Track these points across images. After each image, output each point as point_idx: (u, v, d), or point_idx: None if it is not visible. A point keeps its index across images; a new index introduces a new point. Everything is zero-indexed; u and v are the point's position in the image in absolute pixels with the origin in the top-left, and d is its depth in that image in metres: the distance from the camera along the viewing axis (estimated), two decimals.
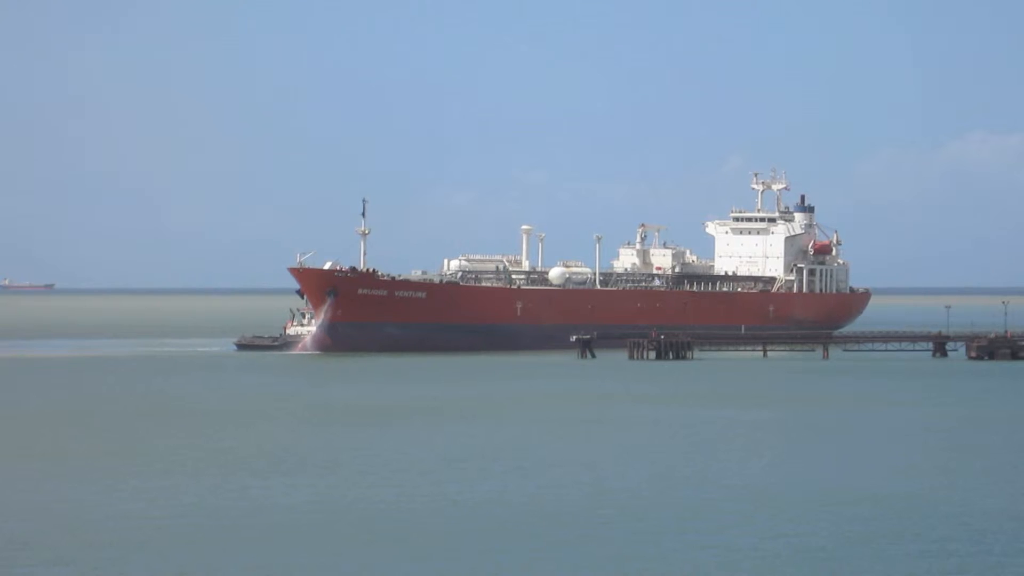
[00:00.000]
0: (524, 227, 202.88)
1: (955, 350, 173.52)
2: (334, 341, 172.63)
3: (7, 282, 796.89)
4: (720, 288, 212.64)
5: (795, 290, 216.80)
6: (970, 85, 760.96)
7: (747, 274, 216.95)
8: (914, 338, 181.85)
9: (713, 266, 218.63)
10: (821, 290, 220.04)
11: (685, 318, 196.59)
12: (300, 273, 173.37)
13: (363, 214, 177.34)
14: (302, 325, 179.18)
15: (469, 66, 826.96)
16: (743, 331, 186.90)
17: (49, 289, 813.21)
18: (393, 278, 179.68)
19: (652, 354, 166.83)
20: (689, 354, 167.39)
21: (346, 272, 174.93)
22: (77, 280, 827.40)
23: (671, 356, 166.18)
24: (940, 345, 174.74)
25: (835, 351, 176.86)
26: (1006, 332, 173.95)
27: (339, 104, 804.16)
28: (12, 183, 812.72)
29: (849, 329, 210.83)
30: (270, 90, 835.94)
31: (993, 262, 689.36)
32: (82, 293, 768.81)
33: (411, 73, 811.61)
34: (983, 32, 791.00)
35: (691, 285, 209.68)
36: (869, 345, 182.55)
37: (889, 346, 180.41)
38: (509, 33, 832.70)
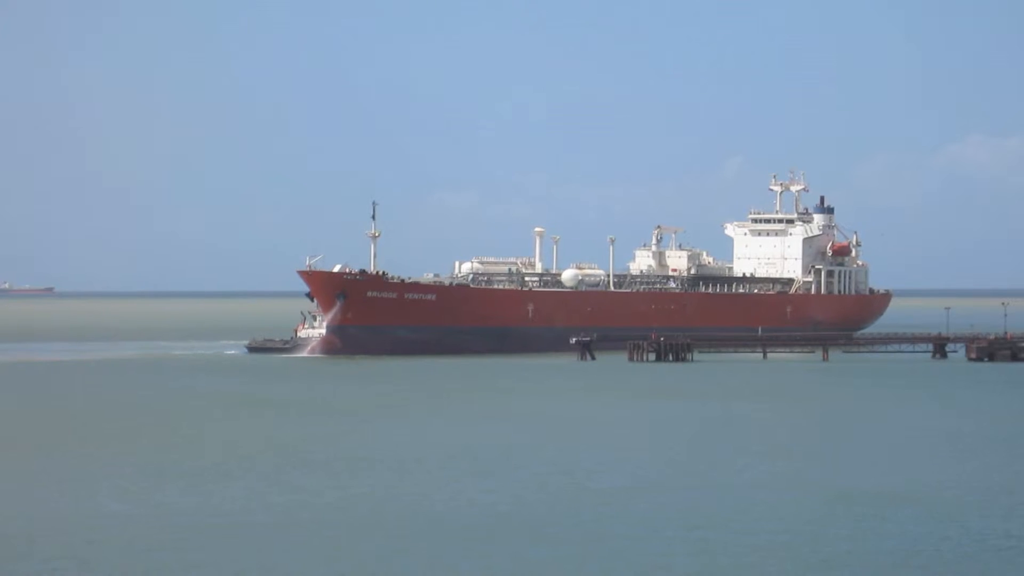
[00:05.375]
0: (537, 229, 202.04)
1: (955, 352, 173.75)
2: (344, 344, 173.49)
3: (7, 286, 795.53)
4: (736, 290, 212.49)
5: (813, 291, 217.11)
6: (969, 88, 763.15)
7: (765, 275, 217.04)
8: (914, 339, 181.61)
9: (729, 267, 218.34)
10: (840, 291, 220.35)
11: (698, 320, 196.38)
12: (309, 276, 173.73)
13: (373, 217, 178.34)
14: (313, 328, 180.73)
15: (474, 68, 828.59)
16: (760, 333, 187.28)
17: (49, 293, 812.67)
18: (403, 280, 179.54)
19: (652, 356, 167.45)
20: (689, 356, 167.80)
21: (355, 275, 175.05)
22: (77, 283, 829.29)
23: (671, 358, 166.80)
24: (940, 347, 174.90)
25: (835, 353, 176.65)
26: (1006, 334, 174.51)
27: (345, 107, 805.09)
28: (12, 187, 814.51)
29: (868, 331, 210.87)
30: (275, 93, 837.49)
31: (992, 264, 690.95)
32: (82, 296, 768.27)
33: (417, 74, 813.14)
34: (982, 35, 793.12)
35: (707, 287, 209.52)
36: (869, 347, 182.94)
37: (889, 348, 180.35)
38: (514, 34, 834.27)
